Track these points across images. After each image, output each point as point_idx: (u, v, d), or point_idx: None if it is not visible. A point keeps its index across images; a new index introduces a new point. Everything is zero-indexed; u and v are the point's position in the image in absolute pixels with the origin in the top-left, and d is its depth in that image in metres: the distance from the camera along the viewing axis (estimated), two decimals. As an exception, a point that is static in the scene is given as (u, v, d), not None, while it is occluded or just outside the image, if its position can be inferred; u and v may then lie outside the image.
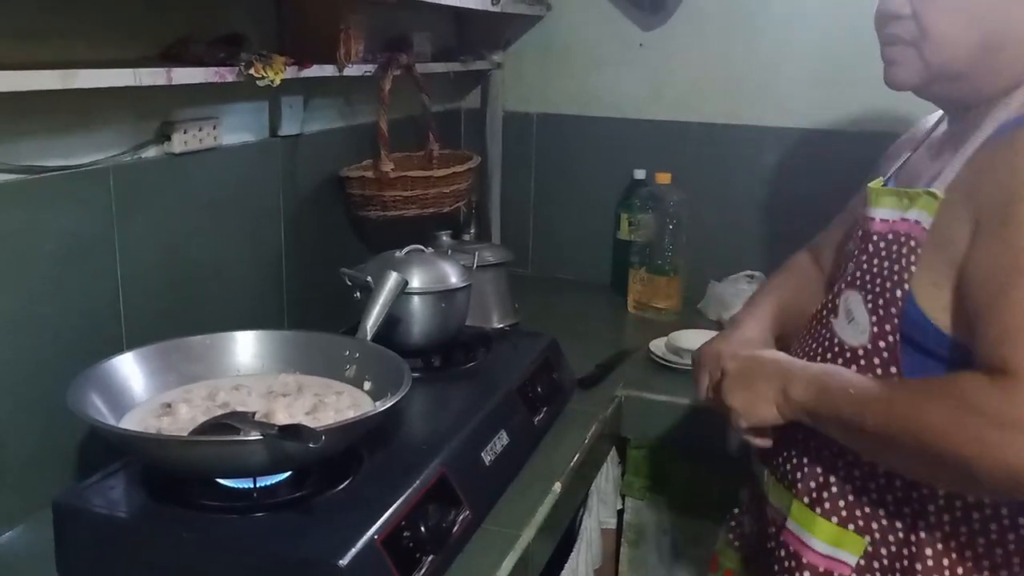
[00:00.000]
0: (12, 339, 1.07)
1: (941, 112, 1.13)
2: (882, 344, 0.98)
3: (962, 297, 0.91)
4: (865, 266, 1.02)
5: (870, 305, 1.00)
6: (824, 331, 1.07)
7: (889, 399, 0.90)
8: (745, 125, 2.03)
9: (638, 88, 2.11)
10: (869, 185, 1.09)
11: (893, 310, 0.97)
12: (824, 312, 1.09)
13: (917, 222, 0.97)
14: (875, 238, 1.02)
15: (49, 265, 1.11)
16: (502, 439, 1.23)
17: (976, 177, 0.93)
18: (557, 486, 1.22)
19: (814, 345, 1.08)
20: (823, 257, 1.26)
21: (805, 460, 1.05)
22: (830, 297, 1.09)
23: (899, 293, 0.96)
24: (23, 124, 1.07)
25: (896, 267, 0.97)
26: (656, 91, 2.10)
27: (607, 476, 1.58)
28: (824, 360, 1.04)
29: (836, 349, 1.04)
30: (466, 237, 2.07)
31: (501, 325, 1.72)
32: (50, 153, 1.11)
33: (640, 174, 2.08)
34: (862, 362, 1.00)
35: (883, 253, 1.00)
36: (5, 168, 1.05)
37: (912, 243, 0.96)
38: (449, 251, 1.63)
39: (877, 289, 0.99)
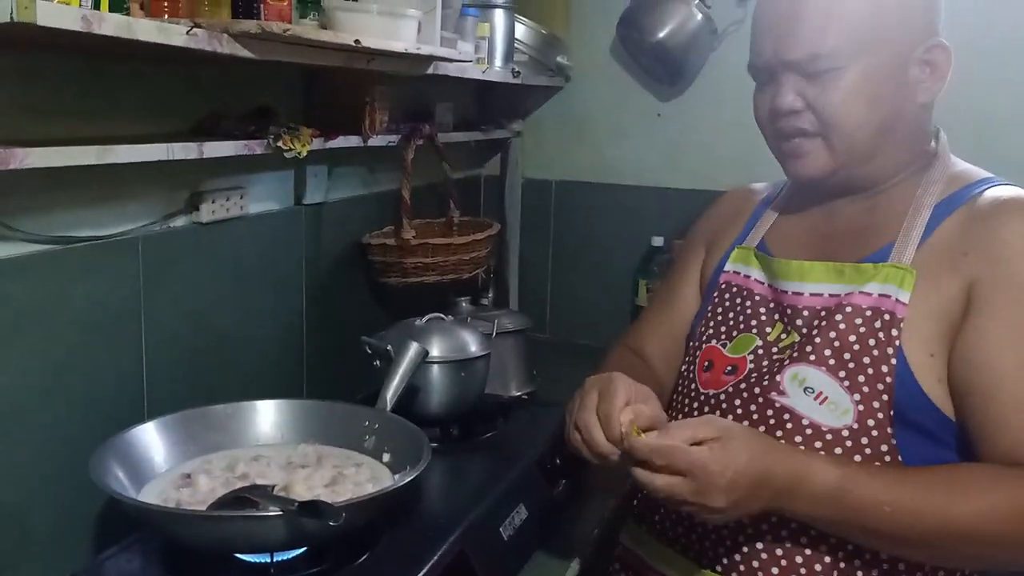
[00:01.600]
0: (40, 409, 1.08)
1: (780, 180, 1.15)
2: (871, 423, 0.95)
3: (958, 372, 0.92)
4: (818, 340, 0.98)
5: (847, 383, 0.95)
6: (773, 414, 0.99)
7: (919, 510, 0.86)
8: (762, 195, 2.04)
9: (656, 157, 2.14)
10: (755, 253, 1.09)
11: (881, 386, 0.94)
12: (758, 394, 1.00)
13: (887, 296, 0.96)
14: (825, 313, 0.99)
15: (77, 335, 1.12)
16: (520, 513, 1.22)
17: (952, 252, 0.95)
18: (576, 563, 1.20)
19: (762, 429, 0.98)
20: (652, 354, 1.20)
21: (759, 546, 0.97)
22: (755, 378, 1.01)
23: (885, 368, 0.94)
24: (56, 196, 1.09)
25: (873, 341, 0.95)
26: (673, 160, 2.13)
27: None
28: (795, 444, 0.96)
29: (809, 432, 0.96)
30: (484, 302, 2.08)
31: (519, 393, 1.72)
32: (81, 224, 1.13)
33: (658, 241, 2.09)
34: (848, 443, 0.95)
35: (842, 327, 0.97)
36: (37, 239, 1.07)
37: (887, 317, 0.95)
38: (468, 318, 1.64)
39: (852, 366, 0.96)
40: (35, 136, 1.03)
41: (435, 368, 1.38)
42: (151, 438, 1.12)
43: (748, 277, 1.11)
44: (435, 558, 1.02)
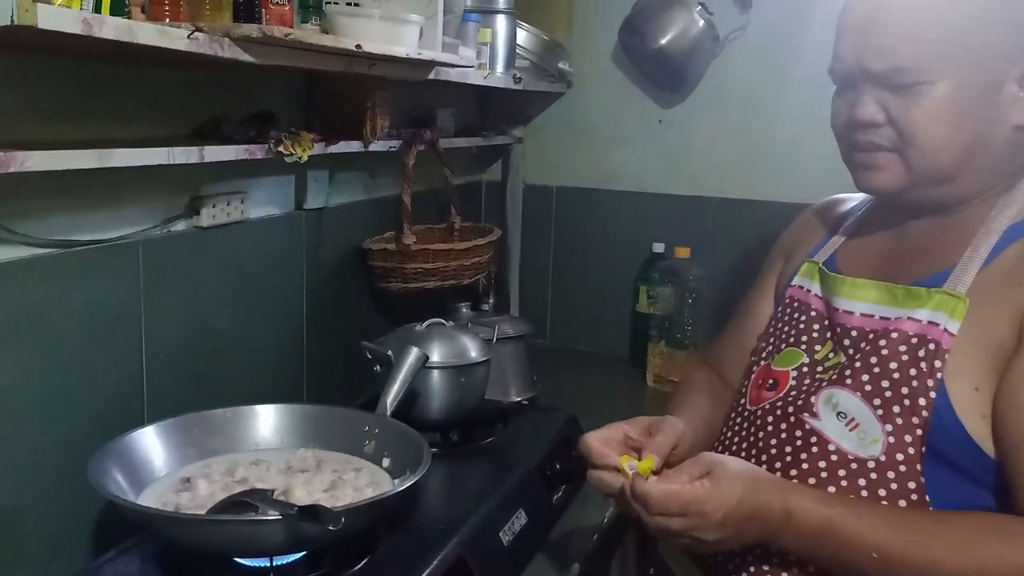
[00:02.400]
0: (39, 412, 1.08)
1: (864, 195, 1.10)
2: (899, 456, 0.90)
3: (998, 410, 0.86)
4: (859, 364, 0.94)
5: (881, 412, 0.91)
6: (802, 435, 0.96)
7: (910, 559, 0.83)
8: (763, 201, 2.04)
9: (657, 163, 2.14)
10: (820, 268, 1.05)
11: (916, 419, 0.89)
12: (791, 412, 0.98)
13: (935, 324, 0.91)
14: (872, 336, 0.95)
15: (77, 339, 1.12)
16: (520, 519, 1.21)
17: (1009, 282, 0.89)
18: (576, 568, 1.20)
19: (788, 450, 0.96)
20: (728, 371, 1.19)
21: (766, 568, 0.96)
22: (792, 396, 0.98)
23: (923, 401, 0.89)
24: (56, 199, 1.09)
25: (915, 371, 0.90)
26: (675, 167, 2.13)
27: (628, 557, 1.55)
28: (817, 470, 0.93)
29: (835, 458, 0.93)
30: (485, 307, 2.08)
31: (519, 398, 1.72)
32: (81, 227, 1.13)
33: (659, 248, 2.09)
34: (873, 475, 0.91)
35: (885, 353, 0.92)
36: (37, 242, 1.07)
37: (932, 346, 0.90)
38: (469, 324, 1.64)
39: (888, 395, 0.91)
40: (35, 139, 1.03)
41: (435, 373, 1.37)
42: (151, 442, 1.12)
43: (809, 292, 1.08)
44: (434, 563, 1.01)
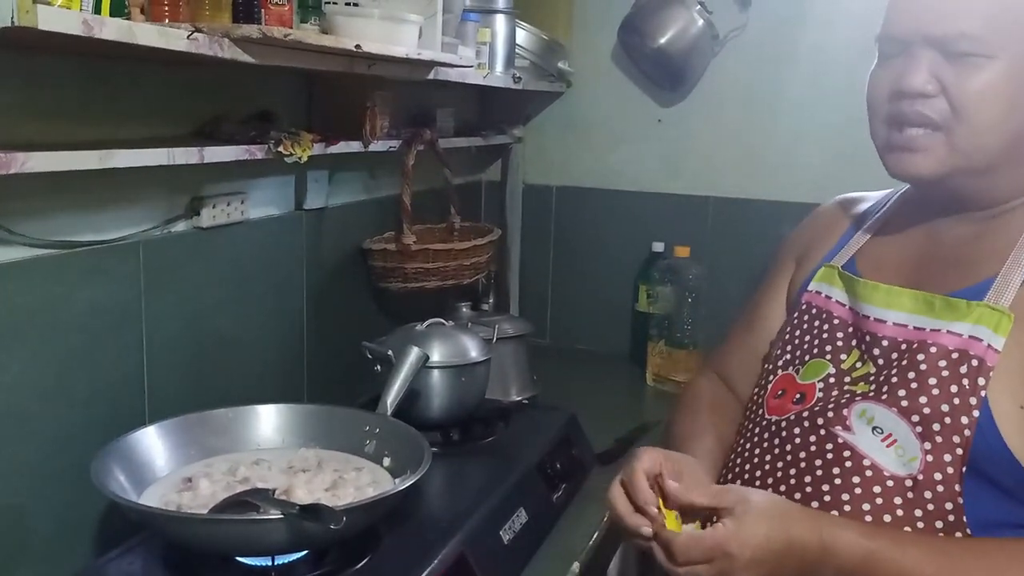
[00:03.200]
0: (40, 412, 1.08)
1: (883, 192, 1.05)
2: (938, 476, 0.86)
3: None
4: (895, 379, 0.90)
5: (920, 429, 0.87)
6: (833, 448, 0.92)
7: None
8: (763, 200, 2.05)
9: (656, 163, 2.14)
10: (841, 272, 1.00)
11: (957, 438, 0.86)
12: (821, 425, 0.93)
13: (977, 339, 0.87)
14: (906, 348, 0.91)
15: (78, 338, 1.12)
16: (521, 517, 1.21)
17: None
18: (576, 566, 1.20)
19: (819, 463, 0.92)
20: (735, 378, 1.15)
21: None
22: (820, 407, 0.94)
23: (965, 420, 0.85)
24: (57, 200, 1.10)
25: (956, 388, 0.87)
26: (674, 166, 2.13)
27: (628, 556, 1.56)
28: (851, 485, 0.89)
29: (869, 474, 0.89)
30: (485, 307, 2.08)
31: (520, 398, 1.72)
32: (82, 228, 1.14)
33: (659, 247, 2.09)
34: (909, 495, 0.87)
35: (924, 368, 0.88)
36: (37, 243, 1.07)
37: (975, 363, 0.86)
38: (469, 323, 1.64)
39: (927, 411, 0.87)
40: (36, 140, 1.03)
41: (436, 373, 1.38)
42: (152, 442, 1.12)
43: (830, 299, 1.03)
44: (435, 562, 1.02)
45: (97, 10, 0.91)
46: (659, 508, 0.88)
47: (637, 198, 2.16)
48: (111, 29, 0.89)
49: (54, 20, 0.82)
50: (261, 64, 1.11)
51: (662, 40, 1.95)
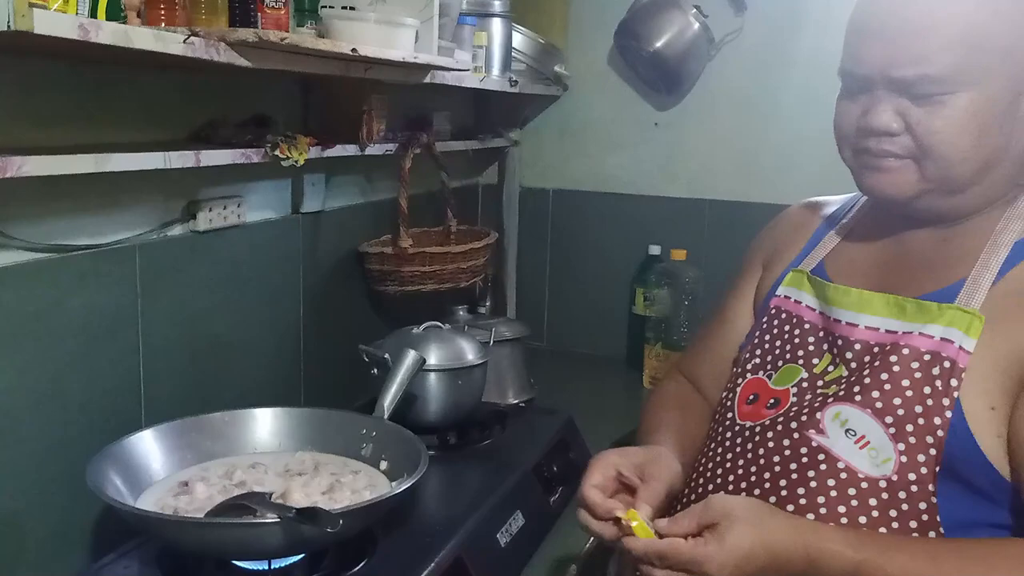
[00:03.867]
0: (36, 415, 1.08)
1: (849, 196, 1.06)
2: (912, 476, 0.86)
3: (1013, 429, 0.84)
4: (868, 381, 0.90)
5: (893, 431, 0.87)
6: (808, 452, 0.91)
7: None
8: (759, 203, 2.04)
9: (653, 166, 2.15)
10: (810, 277, 1.01)
11: (930, 439, 0.86)
12: (794, 429, 0.93)
13: (949, 341, 0.88)
14: (879, 351, 0.91)
15: (74, 342, 1.12)
16: (517, 520, 1.22)
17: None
18: (573, 569, 1.20)
19: (794, 467, 0.91)
20: (704, 382, 1.15)
21: None
22: (794, 412, 0.94)
23: (938, 420, 0.86)
24: (53, 204, 1.10)
25: (929, 389, 0.87)
26: (671, 169, 2.14)
27: (624, 559, 1.56)
28: (826, 488, 0.89)
29: (844, 476, 0.89)
30: (482, 310, 2.08)
31: (517, 401, 1.72)
32: (78, 232, 1.14)
33: (655, 250, 2.10)
34: (884, 496, 0.87)
35: (896, 370, 0.89)
36: (34, 247, 1.07)
37: (947, 364, 0.87)
38: (466, 326, 1.64)
39: (901, 413, 0.88)
40: (32, 144, 1.03)
41: (432, 376, 1.38)
42: (148, 446, 1.12)
43: (799, 303, 1.03)
44: (432, 565, 1.02)
45: (93, 14, 0.91)
46: (623, 519, 0.87)
47: (633, 201, 2.16)
48: (107, 33, 0.90)
49: (50, 24, 0.82)
50: (257, 68, 1.11)
51: (658, 44, 1.96)
